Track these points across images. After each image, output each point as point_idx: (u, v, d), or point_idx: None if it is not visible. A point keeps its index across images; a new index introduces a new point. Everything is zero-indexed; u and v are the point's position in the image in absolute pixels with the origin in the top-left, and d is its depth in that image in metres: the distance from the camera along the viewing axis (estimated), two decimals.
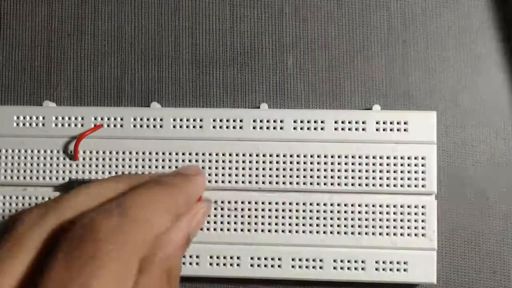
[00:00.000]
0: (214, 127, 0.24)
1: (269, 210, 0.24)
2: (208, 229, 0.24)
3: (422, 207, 0.23)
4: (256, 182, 0.24)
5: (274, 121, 0.24)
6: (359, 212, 0.23)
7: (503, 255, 0.25)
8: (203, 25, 0.26)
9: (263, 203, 0.24)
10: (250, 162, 0.24)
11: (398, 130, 0.24)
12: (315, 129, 0.24)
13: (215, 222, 0.24)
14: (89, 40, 0.26)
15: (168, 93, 0.26)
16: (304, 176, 0.24)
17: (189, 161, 0.24)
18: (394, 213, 0.23)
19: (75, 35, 0.27)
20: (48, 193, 0.24)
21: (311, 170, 0.24)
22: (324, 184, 0.23)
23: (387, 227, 0.23)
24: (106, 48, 0.26)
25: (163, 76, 0.26)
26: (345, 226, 0.23)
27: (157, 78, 0.26)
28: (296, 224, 0.23)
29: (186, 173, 0.19)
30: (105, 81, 0.26)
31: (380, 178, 0.23)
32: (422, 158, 0.23)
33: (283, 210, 0.23)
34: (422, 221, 0.23)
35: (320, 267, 0.23)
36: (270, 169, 0.24)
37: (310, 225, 0.23)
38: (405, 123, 0.24)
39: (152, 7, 0.26)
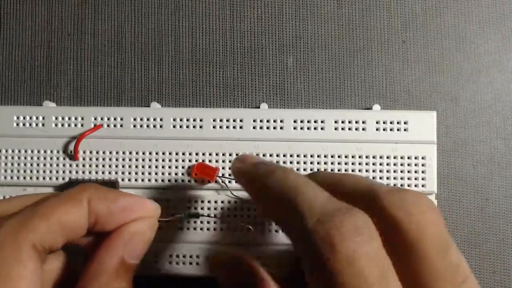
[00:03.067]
0: (214, 127, 0.24)
1: None
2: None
3: None
4: None
5: (274, 121, 0.24)
6: None
7: (503, 255, 0.25)
8: (203, 25, 0.26)
9: None
10: None
11: (398, 130, 0.24)
12: (315, 129, 0.24)
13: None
14: (89, 40, 0.26)
15: (168, 93, 0.26)
16: None
17: (189, 161, 0.24)
18: None
19: (75, 35, 0.27)
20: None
21: (311, 170, 0.24)
22: None
23: None
24: (106, 48, 0.26)
25: (163, 76, 0.26)
26: None
27: (157, 78, 0.26)
28: None
29: None
30: (105, 81, 0.26)
31: (380, 178, 0.23)
32: (422, 158, 0.23)
33: None
34: None
35: None
36: None
37: None
38: (405, 123, 0.24)
39: (152, 7, 0.26)
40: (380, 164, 0.24)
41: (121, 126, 0.24)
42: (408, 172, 0.23)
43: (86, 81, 0.26)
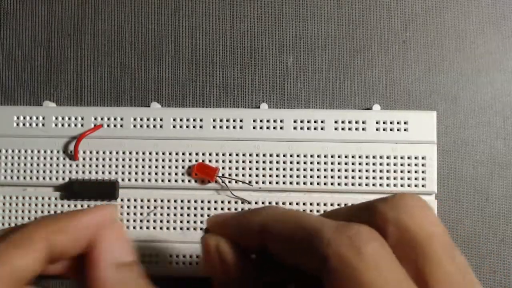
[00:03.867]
0: (214, 127, 0.24)
1: None
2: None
3: None
4: (256, 182, 0.24)
5: (274, 121, 0.24)
6: None
7: (503, 255, 0.25)
8: (203, 25, 0.26)
9: (263, 203, 0.24)
10: (250, 162, 0.24)
11: (398, 130, 0.24)
12: (315, 129, 0.24)
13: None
14: (89, 40, 0.26)
15: (168, 93, 0.26)
16: (304, 176, 0.24)
17: (189, 161, 0.24)
18: None
19: (75, 35, 0.27)
20: (48, 193, 0.24)
21: (311, 170, 0.24)
22: (325, 184, 0.23)
23: None
24: (106, 48, 0.26)
25: (163, 76, 0.26)
26: None
27: (157, 78, 0.26)
28: None
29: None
30: (105, 81, 0.26)
31: (381, 178, 0.23)
32: (422, 158, 0.23)
33: None
34: None
35: None
36: (270, 169, 0.24)
37: None
38: (405, 123, 0.24)
39: (152, 7, 0.26)
40: (380, 164, 0.24)
41: (121, 126, 0.24)
42: (408, 172, 0.23)
43: (86, 81, 0.26)
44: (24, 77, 0.27)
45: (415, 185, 0.23)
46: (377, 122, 0.24)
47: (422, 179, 0.23)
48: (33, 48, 0.27)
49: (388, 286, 0.11)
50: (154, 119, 0.24)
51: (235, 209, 0.24)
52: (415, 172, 0.23)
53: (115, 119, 0.24)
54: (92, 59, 0.26)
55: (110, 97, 0.26)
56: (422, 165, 0.23)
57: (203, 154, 0.24)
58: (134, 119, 0.24)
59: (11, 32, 0.27)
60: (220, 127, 0.24)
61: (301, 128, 0.24)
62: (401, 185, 0.23)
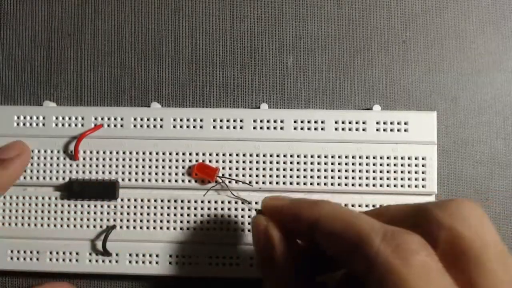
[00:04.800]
0: (214, 127, 0.24)
1: None
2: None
3: None
4: (256, 182, 0.24)
5: (274, 121, 0.24)
6: None
7: None
8: (203, 25, 0.26)
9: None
10: (250, 162, 0.24)
11: (398, 130, 0.24)
12: (315, 129, 0.24)
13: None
14: (89, 40, 0.26)
15: (168, 93, 0.26)
16: (304, 176, 0.24)
17: (189, 161, 0.24)
18: None
19: (75, 35, 0.27)
20: (48, 193, 0.24)
21: (311, 170, 0.24)
22: (325, 184, 0.23)
23: None
24: (106, 48, 0.26)
25: (163, 76, 0.26)
26: None
27: (157, 78, 0.26)
28: None
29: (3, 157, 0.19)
30: (105, 81, 0.26)
31: (381, 178, 0.23)
32: (423, 158, 0.23)
33: None
34: None
35: None
36: (270, 169, 0.24)
37: None
38: (405, 123, 0.24)
39: (152, 7, 0.26)
40: (380, 165, 0.24)
41: (121, 126, 0.24)
42: (408, 172, 0.23)
43: (86, 81, 0.26)
44: (24, 77, 0.26)
45: (415, 186, 0.23)
46: (377, 123, 0.24)
47: (422, 179, 0.23)
48: (33, 48, 0.27)
49: None
50: (154, 119, 0.24)
51: (235, 209, 0.24)
52: (415, 172, 0.23)
53: (115, 119, 0.24)
54: (92, 59, 0.26)
55: (110, 97, 0.26)
56: (422, 165, 0.23)
57: (203, 154, 0.24)
58: (134, 119, 0.24)
59: (11, 32, 0.27)
60: (220, 127, 0.24)
61: (301, 128, 0.24)
62: (401, 186, 0.23)
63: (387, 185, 0.23)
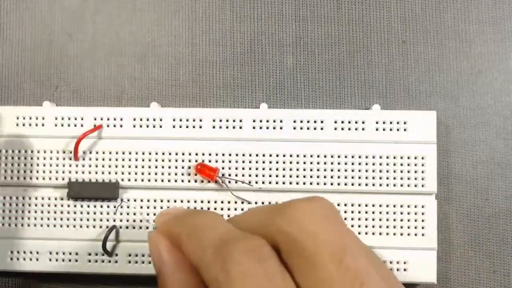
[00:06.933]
0: (214, 127, 0.24)
1: None
2: None
3: (422, 207, 0.23)
4: (256, 182, 0.24)
5: (274, 121, 0.24)
6: (359, 212, 0.23)
7: (503, 255, 0.25)
8: (203, 25, 0.26)
9: (263, 202, 0.24)
10: (250, 162, 0.24)
11: (398, 130, 0.24)
12: (315, 129, 0.24)
13: None
14: (89, 40, 0.26)
15: (168, 93, 0.26)
16: (304, 176, 0.24)
17: (189, 161, 0.24)
18: (394, 213, 0.23)
19: (75, 35, 0.27)
20: (48, 193, 0.24)
21: (311, 170, 0.24)
22: (324, 184, 0.23)
23: (387, 227, 0.23)
24: (106, 48, 0.26)
25: (163, 76, 0.26)
26: None
27: (157, 78, 0.26)
28: None
29: None
30: (105, 81, 0.26)
31: (380, 178, 0.23)
32: (422, 158, 0.23)
33: None
34: (422, 221, 0.23)
35: None
36: (270, 169, 0.24)
37: None
38: (405, 123, 0.24)
39: (152, 7, 0.26)
40: (380, 164, 0.24)
41: (121, 126, 0.24)
42: (408, 172, 0.23)
43: (86, 81, 0.26)
44: (24, 77, 0.27)
45: (415, 185, 0.23)
46: (376, 122, 0.24)
47: (422, 179, 0.23)
48: (33, 48, 0.27)
49: None
50: (154, 119, 0.24)
51: (235, 209, 0.24)
52: (415, 172, 0.23)
53: (115, 119, 0.24)
54: (92, 59, 0.26)
55: (110, 97, 0.26)
56: (422, 165, 0.23)
57: (203, 154, 0.24)
58: (134, 119, 0.24)
59: (11, 32, 0.27)
60: (220, 127, 0.24)
61: (301, 128, 0.24)
62: (401, 185, 0.23)
63: (387, 185, 0.23)
